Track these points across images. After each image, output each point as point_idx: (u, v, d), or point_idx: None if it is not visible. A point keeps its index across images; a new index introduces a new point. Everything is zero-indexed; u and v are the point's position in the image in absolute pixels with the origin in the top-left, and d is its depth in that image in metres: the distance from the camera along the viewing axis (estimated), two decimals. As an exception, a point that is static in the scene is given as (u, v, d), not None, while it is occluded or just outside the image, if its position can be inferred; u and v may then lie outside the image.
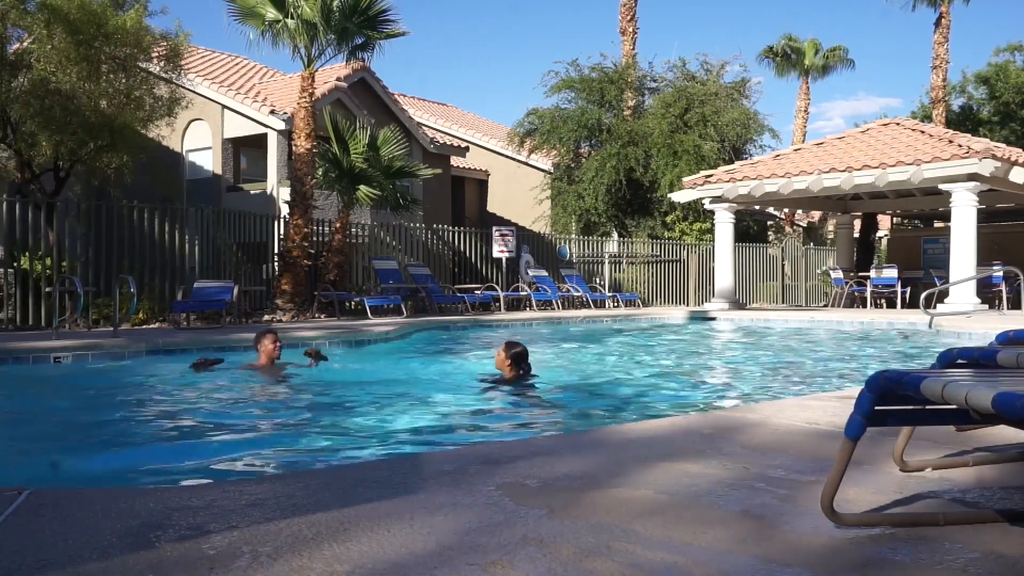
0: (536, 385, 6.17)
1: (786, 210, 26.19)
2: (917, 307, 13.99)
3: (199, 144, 18.51)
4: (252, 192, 17.93)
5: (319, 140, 14.17)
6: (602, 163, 22.01)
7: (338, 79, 17.95)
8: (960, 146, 14.35)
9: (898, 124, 17.47)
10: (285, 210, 14.80)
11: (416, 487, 2.51)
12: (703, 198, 17.62)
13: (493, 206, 25.91)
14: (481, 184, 26.00)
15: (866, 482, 2.52)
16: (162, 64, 13.20)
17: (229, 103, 17.59)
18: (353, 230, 15.78)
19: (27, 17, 11.52)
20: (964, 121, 29.04)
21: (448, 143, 21.89)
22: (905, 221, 26.60)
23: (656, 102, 23.40)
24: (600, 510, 2.24)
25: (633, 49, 24.62)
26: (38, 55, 11.61)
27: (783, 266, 23.78)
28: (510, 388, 6.08)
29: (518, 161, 25.25)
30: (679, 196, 18.24)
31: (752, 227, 25.53)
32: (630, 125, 22.67)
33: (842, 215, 21.31)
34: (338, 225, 14.31)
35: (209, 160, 18.35)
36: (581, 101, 23.47)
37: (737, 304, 17.90)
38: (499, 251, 17.32)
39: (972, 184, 14.02)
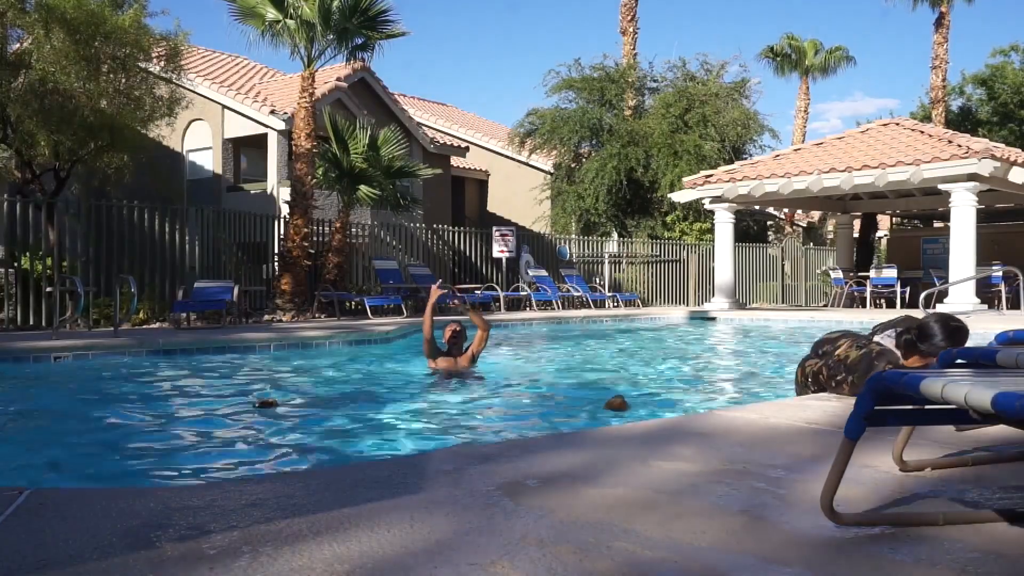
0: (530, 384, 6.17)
1: (786, 210, 26.19)
2: (917, 307, 13.99)
3: (199, 144, 18.51)
4: (252, 192, 17.93)
5: (319, 140, 14.17)
6: (603, 163, 22.01)
7: (338, 79, 17.95)
8: (959, 146, 14.35)
9: (898, 124, 17.47)
10: (285, 210, 14.79)
11: (416, 487, 2.51)
12: (703, 198, 17.62)
13: (493, 206, 25.91)
14: (481, 184, 26.00)
15: (866, 482, 2.52)
16: (162, 64, 13.20)
17: (229, 103, 17.59)
18: (353, 230, 15.78)
19: (24, 16, 11.51)
20: (963, 121, 29.02)
21: (448, 143, 21.89)
22: (905, 221, 26.60)
23: (657, 102, 23.41)
24: (600, 509, 2.24)
25: (633, 49, 24.63)
26: (37, 55, 11.60)
27: (783, 266, 23.77)
28: (511, 387, 6.08)
29: (518, 161, 25.24)
30: (679, 196, 18.24)
31: (752, 227, 25.52)
32: (631, 125, 22.67)
33: (842, 215, 21.31)
34: (338, 225, 14.30)
35: (209, 160, 18.35)
36: (582, 101, 23.48)
37: (737, 304, 17.90)
38: (499, 251, 17.32)
39: (971, 184, 14.02)
